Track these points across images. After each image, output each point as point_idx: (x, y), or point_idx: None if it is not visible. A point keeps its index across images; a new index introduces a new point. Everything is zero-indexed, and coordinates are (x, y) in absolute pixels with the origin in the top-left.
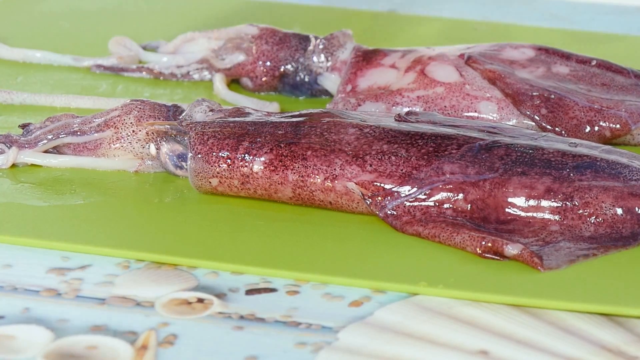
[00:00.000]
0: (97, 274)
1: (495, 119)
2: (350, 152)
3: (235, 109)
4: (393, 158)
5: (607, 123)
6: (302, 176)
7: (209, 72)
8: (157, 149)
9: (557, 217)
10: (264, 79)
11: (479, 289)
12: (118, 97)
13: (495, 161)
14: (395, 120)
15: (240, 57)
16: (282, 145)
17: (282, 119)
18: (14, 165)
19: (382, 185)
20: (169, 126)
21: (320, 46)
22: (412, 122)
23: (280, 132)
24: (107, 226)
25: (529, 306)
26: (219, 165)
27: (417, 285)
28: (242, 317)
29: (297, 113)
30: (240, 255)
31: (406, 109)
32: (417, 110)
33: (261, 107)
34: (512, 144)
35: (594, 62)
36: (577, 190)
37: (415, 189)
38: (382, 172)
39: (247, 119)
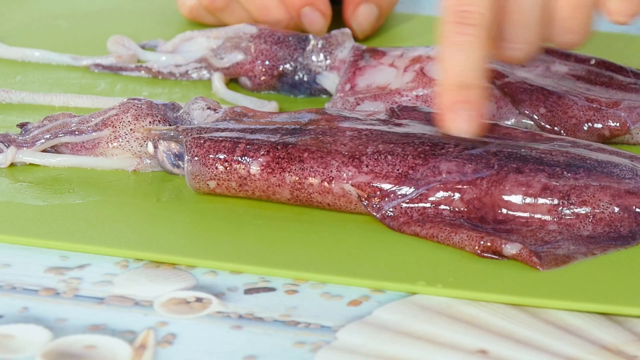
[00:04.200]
0: (96, 273)
1: (494, 118)
2: (347, 153)
3: (232, 109)
4: (389, 158)
5: (606, 122)
6: (299, 178)
7: (208, 71)
8: (154, 147)
9: (554, 216)
10: (262, 78)
11: (477, 289)
12: (117, 96)
13: (490, 158)
14: (388, 115)
15: (238, 57)
16: (279, 147)
17: (279, 120)
18: (12, 165)
19: (378, 186)
20: (165, 131)
21: (319, 45)
22: (404, 118)
23: (277, 133)
24: (105, 225)
25: (528, 305)
26: (216, 168)
27: (416, 284)
28: (240, 317)
29: (294, 113)
30: (239, 255)
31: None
32: (410, 105)
33: (260, 107)
34: (502, 145)
35: (592, 61)
36: (574, 188)
37: (412, 190)
38: (379, 172)
39: (244, 120)
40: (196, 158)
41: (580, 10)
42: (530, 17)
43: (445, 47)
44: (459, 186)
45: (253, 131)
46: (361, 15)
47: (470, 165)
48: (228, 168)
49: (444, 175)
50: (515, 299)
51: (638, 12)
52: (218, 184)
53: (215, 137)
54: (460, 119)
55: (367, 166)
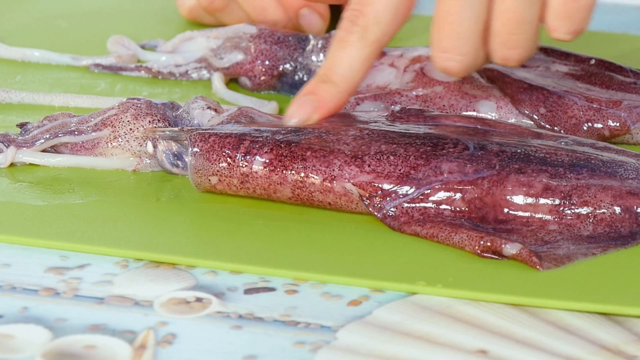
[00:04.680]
0: (96, 273)
1: (494, 118)
2: (349, 153)
3: (239, 112)
4: (392, 158)
5: (606, 122)
6: (301, 177)
7: (208, 71)
8: (154, 147)
9: (555, 216)
10: (262, 78)
11: (477, 289)
12: (116, 96)
13: (491, 158)
14: (389, 119)
15: (238, 57)
16: (282, 145)
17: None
18: (12, 165)
19: (380, 186)
20: (169, 132)
21: (319, 45)
22: (404, 120)
23: (281, 132)
24: (105, 225)
25: (528, 305)
26: (219, 164)
27: (416, 284)
28: (240, 317)
29: None
30: (239, 255)
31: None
32: (410, 107)
33: (260, 107)
34: (504, 143)
35: (592, 61)
36: (575, 189)
37: (413, 190)
38: (381, 172)
39: (250, 121)
40: (200, 152)
41: (522, 26)
42: (469, 29)
43: (332, 41)
44: (461, 186)
45: (258, 129)
46: None
47: (471, 166)
48: (231, 164)
49: (445, 175)
50: (515, 299)
51: (580, 30)
52: (220, 180)
53: (220, 133)
54: (298, 107)
55: (369, 166)
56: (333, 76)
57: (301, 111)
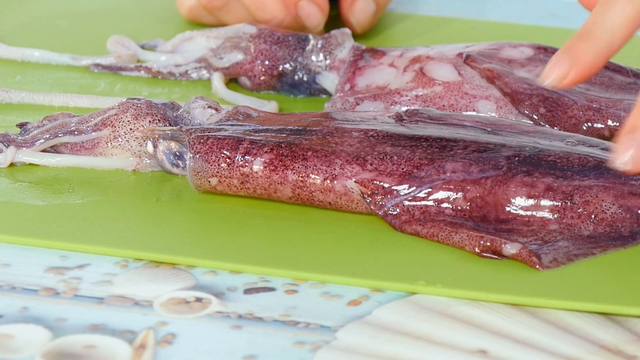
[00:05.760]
0: (95, 273)
1: (493, 118)
2: (352, 153)
3: (236, 109)
4: (395, 158)
5: (606, 122)
6: (301, 176)
7: (208, 71)
8: (154, 147)
9: (556, 216)
10: (262, 78)
11: (477, 288)
12: (116, 96)
13: (500, 160)
14: (394, 119)
15: (238, 56)
16: (283, 145)
17: (284, 121)
18: (12, 165)
19: (381, 183)
20: (169, 132)
21: (319, 45)
22: (410, 122)
23: (282, 132)
24: (105, 225)
25: (528, 305)
26: (218, 165)
27: (416, 284)
28: (240, 317)
29: (299, 115)
30: (239, 254)
31: (404, 108)
32: (416, 108)
33: (260, 107)
34: (519, 149)
35: None
36: (577, 189)
37: (414, 188)
38: (383, 170)
39: (249, 120)
40: (199, 154)
41: None
42: None
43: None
44: (463, 185)
45: (257, 130)
46: (359, 9)
47: (476, 166)
48: (230, 165)
49: (448, 174)
50: (515, 299)
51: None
52: (220, 181)
53: (219, 134)
54: (554, 65)
55: (371, 165)
56: (593, 34)
57: (557, 69)
